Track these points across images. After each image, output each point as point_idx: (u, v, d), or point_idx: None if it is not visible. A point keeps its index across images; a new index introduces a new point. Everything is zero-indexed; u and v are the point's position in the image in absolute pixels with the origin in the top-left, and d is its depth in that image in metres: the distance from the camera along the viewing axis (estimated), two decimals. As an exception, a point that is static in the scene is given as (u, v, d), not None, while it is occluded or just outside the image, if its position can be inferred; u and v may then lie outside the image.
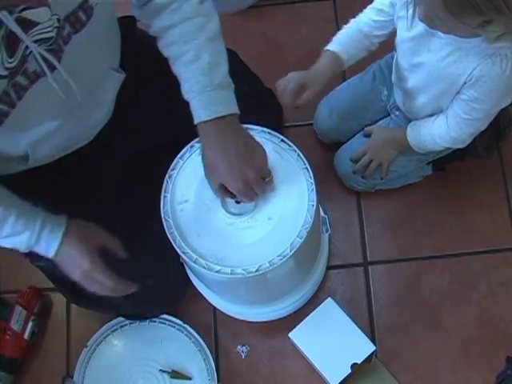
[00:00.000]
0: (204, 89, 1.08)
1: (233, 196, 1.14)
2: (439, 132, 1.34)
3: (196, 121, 1.09)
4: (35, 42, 0.94)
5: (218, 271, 1.13)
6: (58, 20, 0.95)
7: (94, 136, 1.22)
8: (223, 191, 1.13)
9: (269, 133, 1.22)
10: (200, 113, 1.08)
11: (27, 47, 0.93)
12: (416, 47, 1.25)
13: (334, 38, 1.39)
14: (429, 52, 1.23)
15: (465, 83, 1.21)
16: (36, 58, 0.95)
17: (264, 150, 1.14)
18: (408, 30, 1.25)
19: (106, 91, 1.18)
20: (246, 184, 1.10)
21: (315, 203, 1.15)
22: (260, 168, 1.13)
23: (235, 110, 1.10)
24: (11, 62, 0.92)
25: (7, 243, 1.09)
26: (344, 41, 1.38)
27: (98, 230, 1.15)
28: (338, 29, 1.75)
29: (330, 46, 1.38)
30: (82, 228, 1.12)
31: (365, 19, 1.37)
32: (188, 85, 1.09)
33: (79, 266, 1.10)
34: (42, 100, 1.01)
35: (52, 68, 0.98)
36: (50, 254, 1.09)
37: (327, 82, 1.37)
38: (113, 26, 1.13)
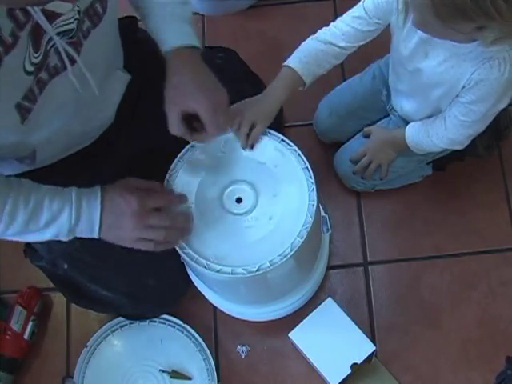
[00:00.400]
0: (178, 18, 1.12)
1: (192, 128, 1.13)
2: (437, 133, 1.34)
3: (168, 46, 1.11)
4: (57, 34, 0.93)
5: (218, 271, 1.13)
6: (79, 12, 0.95)
7: (97, 137, 1.22)
8: (184, 122, 1.12)
9: (269, 133, 1.22)
10: (175, 39, 1.11)
11: (49, 41, 0.93)
12: (413, 54, 1.25)
13: (296, 53, 1.32)
14: (426, 58, 1.23)
15: (464, 87, 1.21)
16: (60, 51, 0.94)
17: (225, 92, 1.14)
18: (405, 38, 1.24)
19: (114, 92, 1.18)
20: (216, 104, 1.10)
21: (315, 203, 1.15)
22: (227, 97, 1.12)
23: (200, 47, 1.14)
24: (37, 57, 0.91)
25: (49, 233, 1.06)
26: (307, 58, 1.30)
27: (133, 179, 1.13)
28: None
29: (291, 62, 1.30)
30: (118, 183, 1.11)
31: (345, 30, 1.29)
32: (160, 15, 1.12)
33: (129, 211, 1.07)
34: (58, 96, 1.00)
35: (72, 62, 0.98)
36: (95, 224, 1.07)
37: (277, 111, 1.28)
38: (116, 24, 1.14)
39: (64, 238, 1.09)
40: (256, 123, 1.21)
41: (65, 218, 1.05)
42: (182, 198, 1.17)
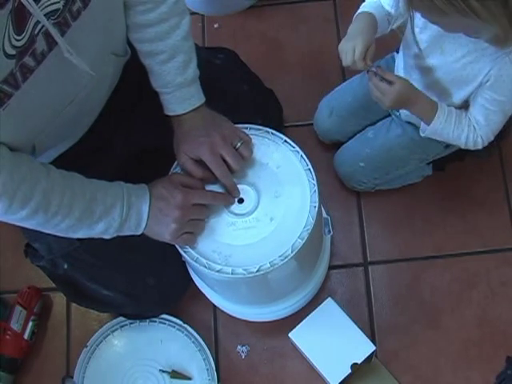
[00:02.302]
0: (179, 86, 1.15)
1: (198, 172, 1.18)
2: (462, 129, 1.27)
3: (170, 113, 1.18)
4: (45, 15, 0.89)
5: (218, 271, 1.13)
6: None
7: (89, 125, 1.21)
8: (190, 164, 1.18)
9: (272, 133, 1.23)
10: (176, 107, 1.18)
11: (36, 24, 0.89)
12: (429, 49, 1.24)
13: (366, 3, 1.31)
14: (442, 54, 1.22)
15: (481, 83, 1.20)
16: (51, 33, 0.91)
17: (230, 122, 1.21)
18: (421, 31, 1.23)
19: (105, 74, 1.15)
20: (213, 149, 1.15)
21: (317, 204, 1.16)
22: (226, 134, 1.17)
23: (203, 99, 1.19)
24: (19, 40, 0.88)
25: (98, 229, 1.08)
26: (376, 8, 1.29)
27: (178, 174, 1.18)
28: (338, 29, 1.77)
29: (363, 9, 1.30)
30: (162, 178, 1.15)
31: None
32: (162, 82, 1.16)
33: (173, 204, 1.11)
34: (45, 82, 0.98)
35: (55, 43, 0.94)
36: (143, 219, 1.10)
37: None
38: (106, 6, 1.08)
39: (109, 236, 1.10)
40: (356, 46, 1.21)
41: (117, 212, 1.07)
42: (227, 197, 1.18)
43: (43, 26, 0.90)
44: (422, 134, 1.32)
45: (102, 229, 1.08)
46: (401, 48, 1.37)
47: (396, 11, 1.28)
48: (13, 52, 0.88)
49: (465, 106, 1.30)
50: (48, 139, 1.10)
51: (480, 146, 1.30)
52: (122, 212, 1.07)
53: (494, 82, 1.18)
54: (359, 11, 1.31)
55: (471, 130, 1.27)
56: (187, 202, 1.12)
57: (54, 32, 0.91)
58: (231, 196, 1.18)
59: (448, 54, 1.21)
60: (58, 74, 0.99)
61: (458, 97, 1.28)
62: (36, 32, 0.90)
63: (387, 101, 1.26)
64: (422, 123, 1.31)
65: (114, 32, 1.12)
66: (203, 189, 1.18)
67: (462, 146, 1.32)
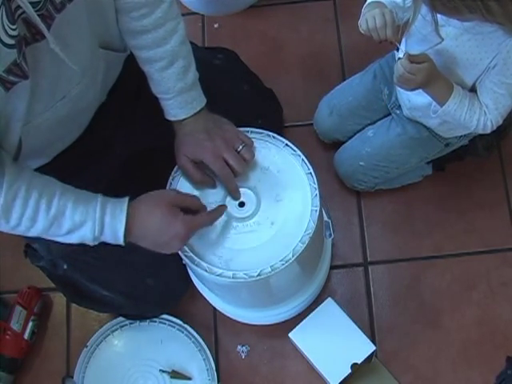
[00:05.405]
0: (180, 91, 1.14)
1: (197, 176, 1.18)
2: (475, 112, 1.27)
3: (172, 118, 1.18)
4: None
5: (219, 275, 1.13)
6: None
7: (86, 124, 1.20)
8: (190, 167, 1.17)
9: (273, 137, 1.22)
10: (177, 112, 1.17)
11: (16, 9, 0.86)
12: (434, 33, 1.21)
13: None
14: (447, 37, 1.21)
15: (488, 68, 1.20)
16: (34, 21, 0.88)
17: (232, 124, 1.20)
18: (427, 14, 1.20)
19: (97, 70, 1.13)
20: (215, 152, 1.14)
21: (318, 209, 1.15)
22: (228, 137, 1.17)
23: (204, 101, 1.19)
24: (14, 30, 0.86)
25: (73, 239, 1.05)
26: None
27: (171, 192, 1.15)
28: (338, 29, 1.77)
29: None
30: (146, 200, 1.09)
31: None
32: (163, 88, 1.15)
33: (173, 233, 1.08)
34: (35, 74, 0.95)
35: (41, 36, 0.92)
36: (120, 238, 1.06)
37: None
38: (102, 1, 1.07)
39: (90, 244, 1.08)
40: (384, 13, 1.21)
41: (87, 230, 1.04)
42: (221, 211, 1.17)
43: (23, 12, 0.88)
44: (434, 115, 1.31)
45: (76, 240, 1.06)
46: (403, 41, 1.36)
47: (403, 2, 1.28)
48: (11, 42, 0.86)
49: (472, 91, 1.30)
50: (38, 133, 1.08)
51: (489, 130, 1.30)
52: (93, 230, 1.04)
53: (503, 65, 1.17)
54: (368, 1, 1.29)
55: (482, 114, 1.27)
56: (190, 230, 1.10)
57: (38, 23, 0.88)
58: (233, 198, 1.17)
59: (454, 38, 1.20)
60: (49, 68, 0.98)
61: (464, 81, 1.27)
62: (16, 17, 0.88)
63: (420, 78, 1.22)
64: (434, 104, 1.30)
65: (101, 26, 1.10)
66: (201, 207, 1.15)
67: (472, 129, 1.31)
